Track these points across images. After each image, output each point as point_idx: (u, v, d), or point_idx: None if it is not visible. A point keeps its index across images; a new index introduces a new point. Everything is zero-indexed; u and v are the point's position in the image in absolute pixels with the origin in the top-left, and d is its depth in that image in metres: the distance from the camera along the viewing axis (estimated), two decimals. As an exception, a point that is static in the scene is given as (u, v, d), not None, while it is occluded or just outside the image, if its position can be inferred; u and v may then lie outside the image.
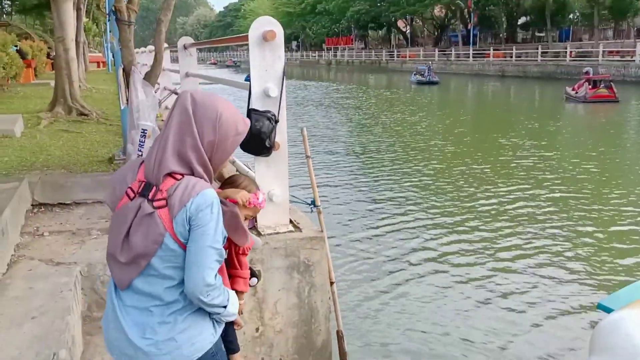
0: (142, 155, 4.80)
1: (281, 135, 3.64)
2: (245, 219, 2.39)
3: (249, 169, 4.35)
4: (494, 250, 8.19)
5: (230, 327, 2.32)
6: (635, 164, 13.97)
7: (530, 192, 11.24)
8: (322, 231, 3.81)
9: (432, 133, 19.27)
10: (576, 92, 27.15)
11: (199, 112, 1.93)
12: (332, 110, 26.88)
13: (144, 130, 4.75)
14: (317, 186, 4.03)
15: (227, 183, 2.51)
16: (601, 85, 26.43)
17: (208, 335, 2.03)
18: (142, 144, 4.74)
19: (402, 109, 26.63)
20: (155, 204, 1.88)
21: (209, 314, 2.04)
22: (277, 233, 3.74)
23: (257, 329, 3.72)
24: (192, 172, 1.94)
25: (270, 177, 3.70)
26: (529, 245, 8.34)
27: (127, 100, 5.20)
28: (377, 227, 9.40)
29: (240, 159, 4.74)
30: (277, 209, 3.78)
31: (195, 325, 1.99)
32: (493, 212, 10.03)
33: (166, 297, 1.94)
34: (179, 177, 1.91)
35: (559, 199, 10.73)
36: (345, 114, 25.25)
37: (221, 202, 2.00)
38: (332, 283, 3.88)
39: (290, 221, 3.92)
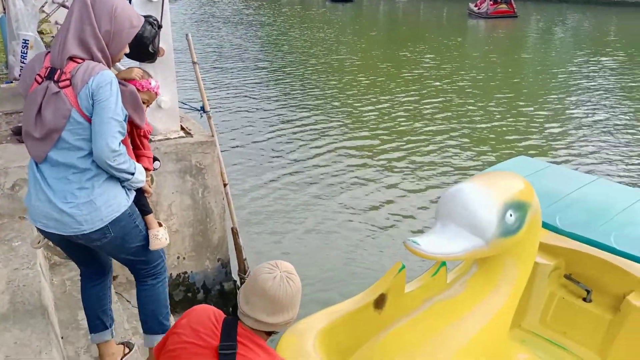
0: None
1: (166, 41, 3.68)
2: (143, 102, 2.55)
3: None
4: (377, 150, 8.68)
5: (141, 194, 2.55)
6: (520, 72, 14.89)
7: (421, 99, 11.79)
8: (212, 136, 3.96)
9: (338, 47, 19.39)
10: (478, 9, 27.99)
11: (97, 5, 2.17)
12: (240, 27, 26.21)
13: (25, 41, 4.58)
14: (209, 93, 4.14)
15: (120, 72, 2.70)
16: (502, 1, 27.29)
17: (122, 199, 2.34)
18: (24, 55, 4.58)
19: (312, 25, 26.44)
20: (61, 84, 2.13)
21: (121, 182, 2.33)
22: (168, 139, 3.86)
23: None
24: (92, 57, 2.18)
25: (157, 83, 3.75)
26: (418, 149, 8.90)
27: (4, 9, 4.93)
28: (269, 132, 9.64)
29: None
30: (166, 115, 3.88)
31: (110, 190, 2.29)
32: (383, 110, 10.51)
33: (80, 165, 2.21)
34: (80, 61, 2.16)
35: (444, 102, 11.41)
36: (253, 31, 24.75)
37: (120, 82, 2.26)
38: (225, 185, 4.09)
39: (182, 128, 4.03)
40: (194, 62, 4.02)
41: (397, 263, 3.71)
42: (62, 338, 3.01)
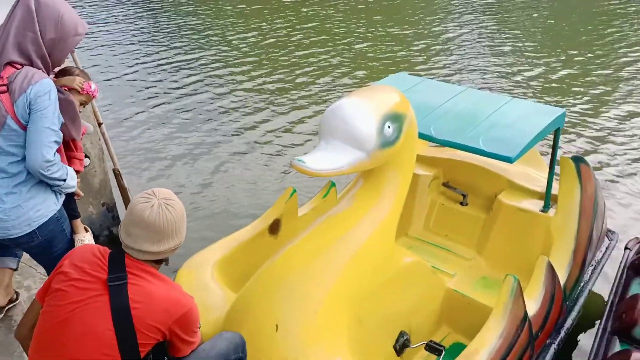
0: None
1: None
2: (80, 104, 2.59)
3: None
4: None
5: (71, 197, 2.58)
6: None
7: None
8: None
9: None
10: None
11: (42, 11, 2.13)
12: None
13: None
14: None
15: (61, 73, 2.63)
16: None
17: (51, 204, 2.36)
18: None
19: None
20: None
21: (52, 191, 2.34)
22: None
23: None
24: (31, 64, 2.16)
25: None
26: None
27: None
28: (141, 60, 9.17)
29: None
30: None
31: (38, 195, 2.30)
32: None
33: (10, 170, 2.21)
34: (18, 67, 2.13)
35: (320, 29, 11.43)
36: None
37: (58, 90, 2.24)
38: (100, 124, 3.87)
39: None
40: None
41: (289, 188, 3.77)
42: None
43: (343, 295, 2.61)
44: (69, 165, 2.56)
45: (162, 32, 11.49)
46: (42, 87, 2.13)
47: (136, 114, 7.34)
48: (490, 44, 11.07)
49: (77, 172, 2.62)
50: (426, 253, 3.87)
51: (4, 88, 2.12)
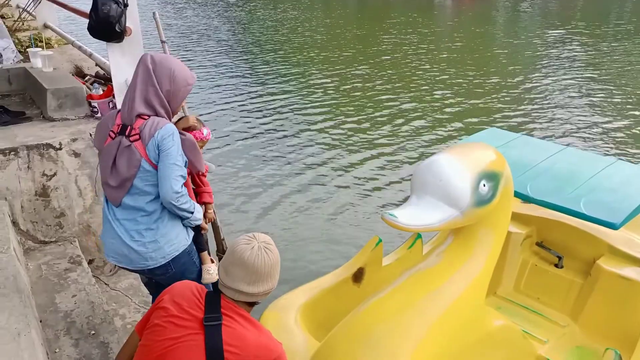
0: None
1: (132, 19, 3.61)
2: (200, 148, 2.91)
3: (106, 60, 4.29)
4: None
5: (198, 233, 2.89)
6: (489, 47, 15.01)
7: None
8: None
9: (303, 25, 19.18)
10: None
11: (158, 68, 2.51)
12: (206, 7, 25.75)
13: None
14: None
15: (179, 120, 3.04)
16: None
17: (182, 239, 2.68)
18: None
19: (280, 4, 26.00)
20: (131, 138, 2.47)
21: (183, 226, 2.67)
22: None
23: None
24: (156, 113, 2.51)
25: (126, 64, 3.70)
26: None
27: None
28: (241, 109, 9.46)
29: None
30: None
31: (172, 230, 2.63)
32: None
33: (148, 208, 2.55)
34: (146, 117, 2.49)
35: (412, 78, 11.45)
36: (219, 12, 24.34)
37: (180, 132, 2.59)
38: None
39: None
40: (162, 41, 3.96)
41: (374, 237, 3.77)
42: (40, 321, 3.00)
43: (429, 353, 2.56)
44: (200, 199, 3.04)
45: (261, 75, 11.94)
46: (166, 130, 2.48)
47: (231, 158, 7.60)
48: (594, 103, 10.61)
49: (208, 203, 3.09)
50: (515, 315, 3.71)
51: (137, 137, 2.48)
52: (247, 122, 9.20)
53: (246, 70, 12.88)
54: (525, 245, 4.14)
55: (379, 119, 9.37)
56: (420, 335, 2.54)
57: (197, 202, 2.96)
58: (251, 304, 2.01)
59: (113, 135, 2.54)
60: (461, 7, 24.89)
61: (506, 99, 10.59)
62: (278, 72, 12.57)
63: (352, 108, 9.97)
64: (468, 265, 2.74)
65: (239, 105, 10.04)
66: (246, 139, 8.43)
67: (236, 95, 10.56)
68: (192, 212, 2.65)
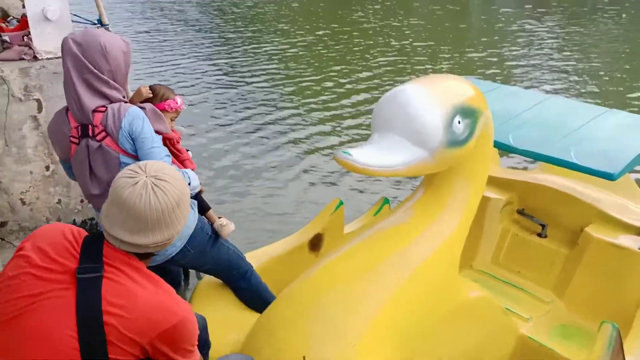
0: None
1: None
2: (171, 120, 2.76)
3: None
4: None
5: (197, 194, 2.68)
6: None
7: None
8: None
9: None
10: None
11: (86, 51, 2.18)
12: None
13: None
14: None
15: (132, 98, 2.73)
16: None
17: (192, 217, 2.48)
18: None
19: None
20: (98, 137, 2.21)
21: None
22: (58, 57, 3.27)
23: (47, 167, 3.34)
24: (110, 100, 2.24)
25: (41, -11, 3.17)
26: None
27: None
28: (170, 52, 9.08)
29: None
30: (55, 29, 3.28)
31: None
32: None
33: None
34: (103, 109, 2.22)
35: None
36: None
37: (140, 107, 2.33)
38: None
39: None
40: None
41: (334, 200, 3.34)
42: None
43: (390, 327, 2.11)
44: (186, 167, 2.77)
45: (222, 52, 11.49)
46: (130, 115, 2.23)
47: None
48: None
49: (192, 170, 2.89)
50: (494, 290, 3.27)
51: (103, 133, 2.22)
52: (217, 95, 8.69)
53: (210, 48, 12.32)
54: (505, 213, 3.73)
55: (346, 75, 9.01)
56: (378, 305, 2.10)
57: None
58: (145, 255, 1.51)
59: (76, 141, 2.26)
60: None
61: (488, 51, 10.31)
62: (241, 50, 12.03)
63: (310, 76, 9.55)
64: (440, 222, 2.33)
65: (205, 81, 9.50)
66: (216, 114, 7.93)
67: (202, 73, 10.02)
68: (189, 184, 2.41)
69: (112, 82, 2.25)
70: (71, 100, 2.22)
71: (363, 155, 1.97)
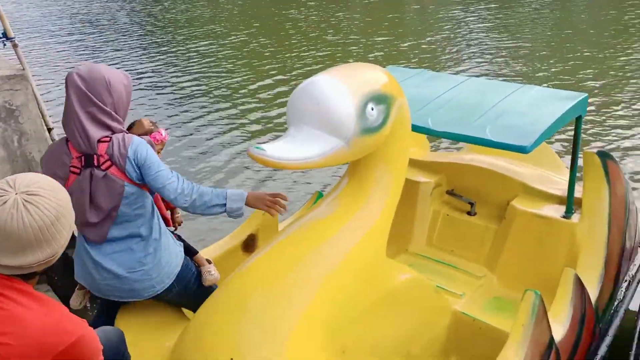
0: None
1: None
2: (158, 152, 2.75)
3: None
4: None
5: (180, 238, 2.73)
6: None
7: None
8: (23, 69, 3.25)
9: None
10: None
11: (90, 84, 2.24)
12: None
13: None
14: (8, 16, 3.39)
15: (131, 127, 2.87)
16: None
17: (178, 253, 2.52)
18: None
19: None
20: (103, 167, 2.25)
21: (173, 240, 2.54)
22: (-39, 76, 3.12)
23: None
24: (112, 131, 2.29)
25: None
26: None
27: None
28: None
29: None
30: (-45, 46, 3.12)
31: (168, 248, 2.46)
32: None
33: (143, 232, 2.37)
34: (107, 139, 2.26)
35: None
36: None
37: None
38: (50, 130, 3.42)
39: (-20, 63, 3.31)
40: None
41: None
42: None
43: (321, 318, 2.13)
44: (168, 205, 2.82)
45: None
46: (135, 144, 2.28)
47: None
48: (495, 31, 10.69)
49: (173, 208, 2.92)
50: (429, 271, 3.36)
51: (109, 163, 2.25)
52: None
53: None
54: (435, 195, 3.81)
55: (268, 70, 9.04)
56: (306, 298, 2.11)
57: (168, 209, 2.85)
58: (29, 276, 1.44)
59: (77, 170, 2.27)
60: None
61: (410, 41, 10.51)
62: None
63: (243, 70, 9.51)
64: (363, 211, 2.36)
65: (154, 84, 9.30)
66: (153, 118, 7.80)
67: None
68: (223, 204, 2.35)
69: (114, 114, 2.31)
70: (74, 131, 2.25)
71: (277, 149, 1.97)
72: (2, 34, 3.28)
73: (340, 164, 2.24)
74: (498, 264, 3.39)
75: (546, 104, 2.93)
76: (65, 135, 2.31)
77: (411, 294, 2.54)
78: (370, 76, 2.29)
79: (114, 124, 2.30)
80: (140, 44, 12.36)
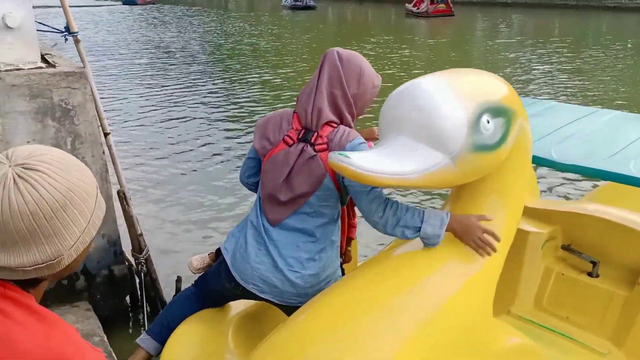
0: None
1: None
2: None
3: None
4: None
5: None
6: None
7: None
8: (83, 67, 3.15)
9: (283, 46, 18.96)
10: (417, 8, 32.09)
11: (346, 67, 2.29)
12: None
13: None
14: (73, 10, 3.34)
15: (362, 132, 2.77)
16: (440, 1, 31.70)
17: (338, 272, 2.42)
18: None
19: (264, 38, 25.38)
20: (317, 147, 2.23)
21: (339, 254, 2.47)
22: (19, 69, 3.04)
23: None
24: (342, 120, 2.30)
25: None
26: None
27: None
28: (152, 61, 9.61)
29: None
30: (17, 38, 3.06)
31: (333, 263, 2.38)
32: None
33: (317, 234, 2.31)
34: (334, 125, 2.27)
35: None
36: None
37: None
38: (106, 134, 3.30)
39: (43, 58, 3.23)
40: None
41: None
42: None
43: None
44: (347, 234, 2.74)
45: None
46: (356, 142, 2.23)
47: (146, 125, 7.47)
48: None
49: (351, 240, 2.82)
50: (537, 339, 2.89)
51: (324, 146, 2.23)
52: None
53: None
54: (548, 249, 3.39)
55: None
56: (388, 353, 1.74)
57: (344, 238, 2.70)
58: (30, 283, 1.12)
59: (290, 142, 2.29)
60: (434, 27, 26.13)
61: None
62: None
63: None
64: (468, 251, 2.01)
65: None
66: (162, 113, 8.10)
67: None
68: (418, 228, 2.06)
69: (353, 106, 2.33)
70: (308, 104, 2.29)
71: (364, 159, 1.68)
72: (65, 28, 3.21)
73: (443, 187, 1.96)
74: (628, 339, 2.92)
75: None
76: (293, 109, 2.37)
77: (521, 364, 2.13)
78: (487, 83, 2.03)
79: (347, 116, 2.32)
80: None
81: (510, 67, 14.12)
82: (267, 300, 2.38)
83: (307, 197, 2.26)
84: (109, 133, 3.28)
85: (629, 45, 17.78)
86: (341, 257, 2.71)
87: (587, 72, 13.24)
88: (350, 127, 2.32)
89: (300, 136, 2.27)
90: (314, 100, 2.28)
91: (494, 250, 2.02)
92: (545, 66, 14.11)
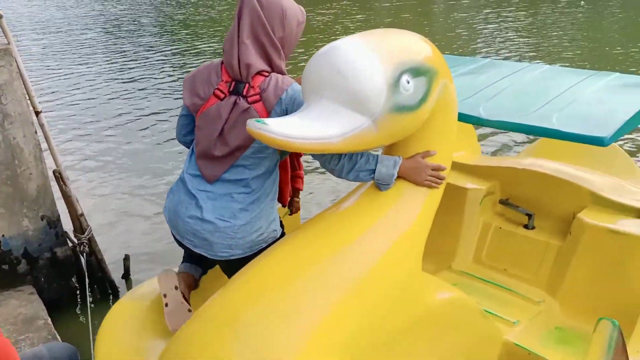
0: None
1: None
2: None
3: None
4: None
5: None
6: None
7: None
8: (8, 43, 3.09)
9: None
10: None
11: (266, 10, 2.20)
12: None
13: None
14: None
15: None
16: None
17: (275, 228, 2.34)
18: None
19: None
20: (250, 99, 2.19)
21: (276, 215, 2.37)
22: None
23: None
24: (273, 68, 2.25)
25: None
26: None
27: None
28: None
29: None
30: None
31: (267, 219, 2.31)
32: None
33: (253, 185, 2.26)
34: (265, 74, 2.22)
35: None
36: None
37: None
38: (37, 113, 3.25)
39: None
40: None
41: None
42: None
43: (336, 342, 1.82)
44: (294, 184, 2.74)
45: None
46: (293, 90, 2.20)
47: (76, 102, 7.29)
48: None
49: (298, 190, 2.80)
50: (476, 293, 3.08)
51: (257, 97, 2.19)
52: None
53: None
54: (486, 204, 3.52)
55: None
56: (317, 315, 1.86)
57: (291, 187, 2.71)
58: None
59: (221, 95, 2.24)
60: None
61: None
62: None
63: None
64: (397, 209, 2.09)
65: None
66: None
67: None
68: (372, 170, 2.10)
69: (281, 51, 2.26)
70: (234, 55, 2.21)
71: (284, 125, 1.71)
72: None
73: (365, 148, 1.99)
74: (561, 287, 3.08)
75: (627, 92, 2.63)
76: (220, 59, 2.30)
77: (453, 318, 2.26)
78: (408, 43, 2.05)
79: (277, 62, 2.27)
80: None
81: (460, 27, 14.26)
82: (202, 257, 2.38)
83: (243, 150, 2.24)
84: (40, 111, 3.24)
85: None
86: (289, 207, 2.80)
87: (535, 30, 13.41)
88: (282, 72, 2.29)
89: (231, 89, 2.24)
90: (239, 51, 2.22)
91: (443, 179, 2.15)
92: (493, 25, 14.29)
